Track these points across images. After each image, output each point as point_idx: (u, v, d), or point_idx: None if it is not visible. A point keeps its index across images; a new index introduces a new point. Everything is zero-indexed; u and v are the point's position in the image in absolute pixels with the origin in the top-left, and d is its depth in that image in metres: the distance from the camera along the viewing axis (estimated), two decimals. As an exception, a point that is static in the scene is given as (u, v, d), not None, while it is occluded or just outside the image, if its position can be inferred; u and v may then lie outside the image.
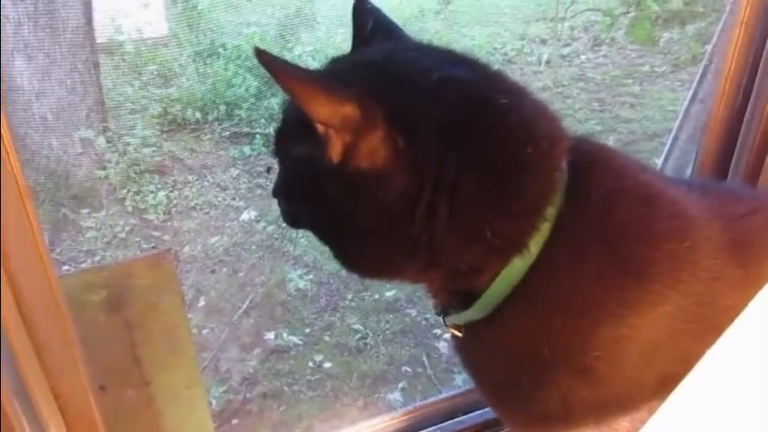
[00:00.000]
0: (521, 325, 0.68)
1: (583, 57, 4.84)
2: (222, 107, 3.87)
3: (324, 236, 0.72)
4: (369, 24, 0.74)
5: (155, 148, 3.51)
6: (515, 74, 4.72)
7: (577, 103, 4.29)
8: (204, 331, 2.70)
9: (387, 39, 0.75)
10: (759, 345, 0.39)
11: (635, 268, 0.65)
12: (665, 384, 0.44)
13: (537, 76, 4.62)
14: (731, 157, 0.84)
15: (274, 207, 3.58)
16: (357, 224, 0.67)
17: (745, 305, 0.40)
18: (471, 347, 0.76)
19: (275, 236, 3.17)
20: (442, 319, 0.76)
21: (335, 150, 0.64)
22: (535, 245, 0.65)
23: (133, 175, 3.35)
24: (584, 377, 0.66)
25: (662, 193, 0.69)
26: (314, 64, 4.47)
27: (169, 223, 3.32)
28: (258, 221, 3.33)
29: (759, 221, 0.69)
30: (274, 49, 4.31)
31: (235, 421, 2.30)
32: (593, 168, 0.69)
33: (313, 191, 0.68)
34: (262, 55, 0.60)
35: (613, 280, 0.65)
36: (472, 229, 0.64)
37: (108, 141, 3.31)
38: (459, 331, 0.75)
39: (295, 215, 0.75)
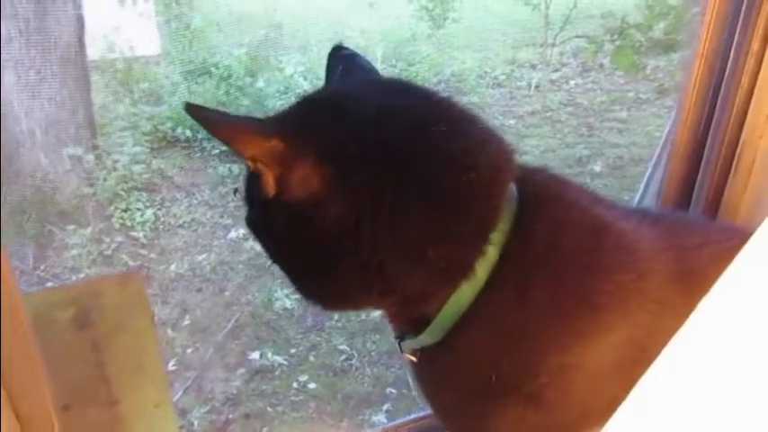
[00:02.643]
0: (470, 351, 0.69)
1: (572, 82, 4.90)
2: (213, 126, 3.88)
3: (283, 269, 0.73)
4: (339, 69, 0.77)
5: (144, 166, 3.51)
6: (505, 98, 4.78)
7: (566, 127, 4.34)
8: (188, 350, 2.68)
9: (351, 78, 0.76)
10: (713, 342, 0.40)
11: (582, 299, 0.66)
12: (615, 410, 0.45)
13: (526, 101, 4.67)
14: (694, 183, 0.86)
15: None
16: (307, 256, 0.68)
17: None
18: (426, 373, 0.76)
19: (263, 255, 3.15)
20: (398, 345, 0.77)
21: (269, 184, 0.66)
22: (482, 270, 0.65)
23: (121, 193, 3.34)
24: (532, 404, 0.67)
25: (611, 226, 0.70)
26: (305, 84, 4.51)
27: (156, 241, 3.31)
28: (246, 240, 3.32)
29: (708, 253, 0.70)
30: (266, 70, 4.35)
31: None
32: (542, 199, 0.70)
33: (265, 226, 0.71)
34: (190, 108, 0.61)
35: (560, 310, 0.66)
36: (416, 254, 0.65)
37: (97, 158, 3.31)
38: (416, 356, 0.75)
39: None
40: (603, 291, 0.66)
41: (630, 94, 4.60)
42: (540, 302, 0.66)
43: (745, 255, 0.41)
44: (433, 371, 0.74)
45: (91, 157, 3.25)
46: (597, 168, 3.83)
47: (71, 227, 3.17)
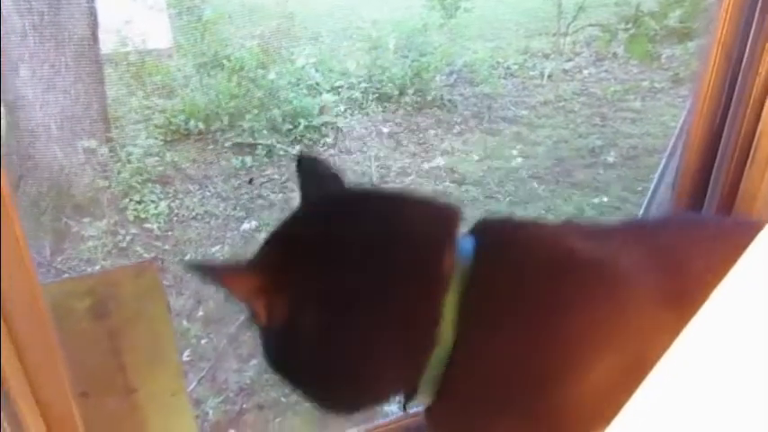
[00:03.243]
0: (454, 407, 0.73)
1: (585, 72, 4.86)
2: (225, 118, 3.90)
3: (299, 389, 0.80)
4: (308, 179, 0.84)
5: (157, 158, 3.53)
6: (517, 88, 4.75)
7: (579, 117, 4.30)
8: (203, 341, 2.70)
9: (320, 191, 0.83)
10: (716, 345, 0.40)
11: (558, 340, 0.67)
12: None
13: (539, 90, 4.64)
14: (710, 175, 0.85)
15: (275, 217, 3.61)
16: (314, 371, 0.76)
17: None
18: (432, 426, 0.80)
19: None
20: (403, 407, 0.81)
21: (261, 316, 0.75)
22: (446, 332, 0.68)
23: (135, 185, 3.37)
24: None
25: (582, 260, 0.71)
26: (317, 76, 4.52)
27: (170, 233, 3.34)
28: (259, 231, 3.34)
29: (701, 267, 0.68)
30: (278, 61, 4.35)
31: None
32: (501, 247, 0.73)
33: (271, 354, 0.78)
34: (189, 266, 0.72)
35: (536, 354, 0.68)
36: (384, 345, 0.71)
37: (111, 151, 3.34)
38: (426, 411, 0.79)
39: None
40: (579, 330, 0.67)
41: (645, 84, 4.55)
42: (512, 350, 0.68)
43: (748, 258, 0.41)
44: (436, 423, 0.78)
45: (105, 149, 3.28)
46: (610, 159, 3.80)
47: (86, 219, 3.20)
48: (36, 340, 0.62)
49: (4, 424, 0.61)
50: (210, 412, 2.37)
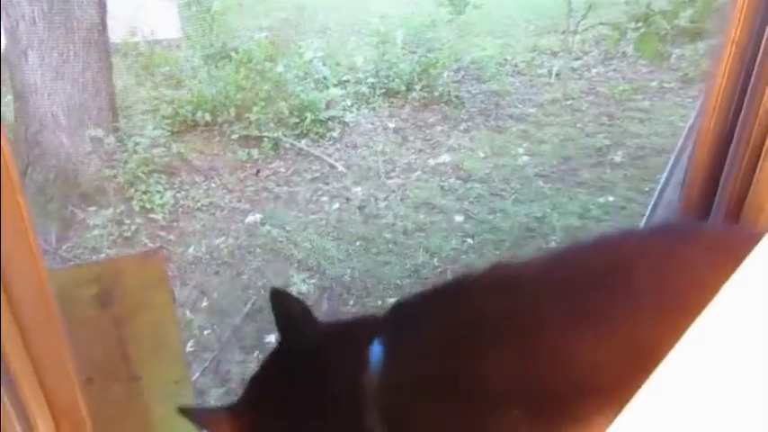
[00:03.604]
0: None
1: (593, 70, 4.83)
2: (232, 110, 3.91)
3: None
4: (281, 313, 0.93)
5: (164, 149, 3.54)
6: (525, 86, 4.74)
7: (587, 116, 4.28)
8: (206, 332, 2.71)
9: (290, 331, 0.94)
10: (716, 349, 0.40)
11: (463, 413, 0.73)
12: None
13: (547, 89, 4.62)
14: (719, 176, 0.84)
15: (279, 211, 3.61)
16: None
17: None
18: None
19: (280, 239, 3.18)
20: None
21: None
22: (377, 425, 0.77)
23: (141, 175, 3.37)
24: None
25: (482, 326, 0.75)
26: (324, 69, 4.52)
27: (175, 223, 3.34)
28: (263, 224, 3.35)
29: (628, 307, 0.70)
30: (286, 54, 4.35)
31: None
32: (401, 347, 0.80)
33: None
34: (183, 412, 0.82)
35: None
36: None
37: (118, 141, 3.34)
38: None
39: None
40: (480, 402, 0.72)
41: (654, 84, 4.52)
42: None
43: (750, 262, 0.40)
44: None
45: (112, 139, 3.29)
46: (617, 158, 3.78)
47: (92, 208, 3.21)
48: (42, 326, 0.62)
49: (10, 410, 0.61)
50: (213, 402, 2.38)
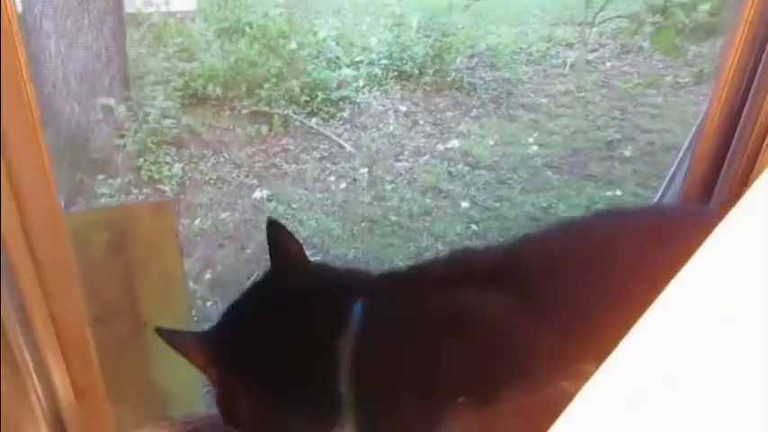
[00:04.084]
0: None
1: (608, 63, 4.80)
2: (243, 85, 3.90)
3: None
4: (275, 244, 0.91)
5: (174, 121, 3.54)
6: (539, 75, 4.71)
7: (599, 109, 4.26)
8: (208, 303, 2.73)
9: (283, 263, 0.91)
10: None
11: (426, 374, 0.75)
12: None
13: (560, 80, 4.59)
14: (724, 159, 0.84)
15: (287, 188, 3.61)
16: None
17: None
18: None
19: (285, 216, 3.19)
20: None
21: (213, 383, 0.87)
22: (344, 384, 0.78)
23: (151, 146, 3.38)
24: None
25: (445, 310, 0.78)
26: (338, 49, 4.50)
27: (182, 196, 3.36)
28: (270, 200, 3.36)
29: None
30: (299, 32, 4.33)
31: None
32: (377, 309, 0.82)
33: (219, 406, 0.90)
34: (160, 332, 0.82)
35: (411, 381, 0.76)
36: (303, 413, 0.84)
37: (128, 110, 3.35)
38: None
39: None
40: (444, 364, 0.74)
41: (668, 78, 4.49)
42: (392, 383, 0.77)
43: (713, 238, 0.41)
44: None
45: (123, 108, 3.29)
46: (627, 153, 3.77)
47: (101, 176, 3.23)
48: (55, 260, 0.64)
49: (20, 340, 0.63)
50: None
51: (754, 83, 0.81)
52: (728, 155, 0.89)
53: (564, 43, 5.05)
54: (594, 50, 4.95)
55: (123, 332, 0.82)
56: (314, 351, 0.81)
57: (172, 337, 0.84)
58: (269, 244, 0.91)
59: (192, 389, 0.95)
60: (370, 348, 0.79)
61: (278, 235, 0.91)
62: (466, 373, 0.73)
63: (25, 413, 0.71)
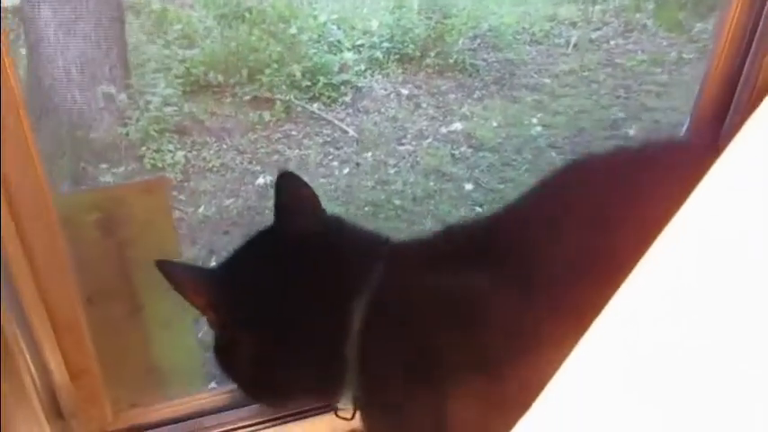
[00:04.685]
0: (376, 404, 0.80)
1: (612, 42, 4.74)
2: (244, 71, 3.88)
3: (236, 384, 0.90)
4: (284, 194, 0.87)
5: (175, 108, 3.53)
6: (542, 55, 4.65)
7: (603, 88, 4.21)
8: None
9: (290, 213, 0.87)
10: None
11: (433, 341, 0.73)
12: None
13: (563, 59, 4.54)
14: (725, 116, 0.83)
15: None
16: (248, 379, 0.86)
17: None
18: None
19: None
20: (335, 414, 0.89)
21: (213, 324, 0.84)
22: (351, 348, 0.76)
23: (153, 134, 3.38)
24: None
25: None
26: (339, 33, 4.46)
27: (186, 183, 3.36)
28: (273, 187, 3.35)
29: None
30: (300, 16, 4.30)
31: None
32: (393, 274, 0.79)
33: (217, 353, 0.87)
34: (160, 265, 0.77)
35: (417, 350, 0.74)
36: (309, 364, 0.80)
37: (130, 98, 3.34)
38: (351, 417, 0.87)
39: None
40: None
41: (673, 55, 4.43)
42: (397, 348, 0.75)
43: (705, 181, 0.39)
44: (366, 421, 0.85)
45: (124, 96, 3.29)
46: (632, 132, 3.73)
47: (104, 165, 3.23)
48: (45, 246, 0.64)
49: (12, 322, 0.63)
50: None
51: (756, 37, 0.79)
52: (730, 111, 0.88)
53: (567, 22, 4.98)
54: (598, 29, 4.88)
55: (118, 313, 0.82)
56: (327, 308, 0.78)
57: (172, 271, 0.79)
58: (277, 192, 0.86)
59: (190, 369, 0.95)
60: (384, 317, 0.76)
61: (289, 182, 0.86)
62: (472, 355, 0.71)
63: (20, 396, 0.71)
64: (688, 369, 0.35)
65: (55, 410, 0.76)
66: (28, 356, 0.70)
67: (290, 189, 0.86)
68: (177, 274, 0.79)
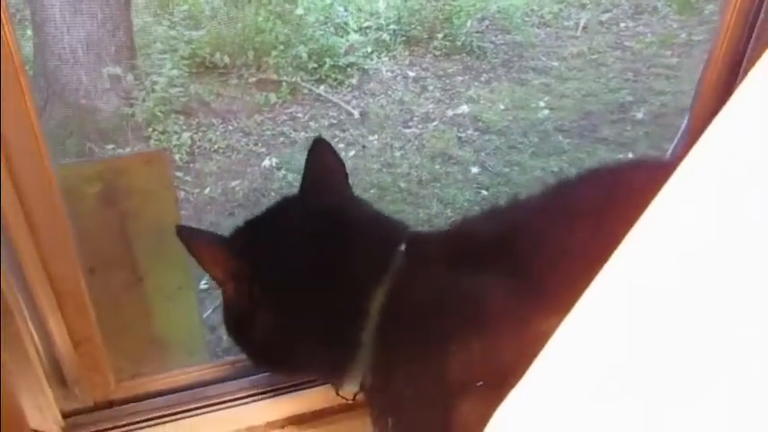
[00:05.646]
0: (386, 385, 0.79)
1: (622, 24, 4.68)
2: (250, 53, 3.87)
3: (245, 354, 0.89)
4: (314, 167, 0.86)
5: (181, 89, 3.53)
6: (550, 38, 4.61)
7: (611, 71, 4.18)
8: (219, 271, 2.76)
9: (319, 188, 0.86)
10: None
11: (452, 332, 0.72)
12: None
13: (572, 42, 4.50)
14: (729, 96, 0.82)
15: (296, 156, 3.60)
16: (261, 351, 0.86)
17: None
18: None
19: (295, 184, 3.19)
20: (336, 392, 0.90)
21: (227, 292, 0.83)
22: (367, 332, 0.75)
23: (159, 115, 3.38)
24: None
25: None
26: (345, 14, 4.43)
27: (191, 165, 3.37)
28: (279, 169, 3.36)
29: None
30: (306, -2, 4.28)
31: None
32: (415, 261, 0.78)
33: (230, 322, 0.87)
34: (179, 230, 0.76)
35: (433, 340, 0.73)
36: (324, 341, 0.80)
37: (136, 79, 3.34)
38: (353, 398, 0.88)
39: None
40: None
41: (683, 36, 4.38)
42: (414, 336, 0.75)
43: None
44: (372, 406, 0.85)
45: (130, 77, 3.29)
46: (639, 116, 3.70)
47: (110, 146, 3.24)
48: (47, 214, 0.64)
49: (15, 290, 0.64)
50: (224, 338, 2.43)
51: (760, 15, 0.78)
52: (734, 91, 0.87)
53: (577, 4, 4.93)
54: (608, 11, 4.82)
55: (119, 283, 0.82)
56: (347, 288, 0.77)
57: (190, 237, 0.77)
58: (308, 161, 0.85)
59: (192, 340, 0.96)
60: (404, 308, 0.76)
61: (323, 152, 0.85)
62: (487, 357, 0.71)
63: (23, 363, 0.72)
64: (667, 352, 0.36)
65: (58, 378, 0.78)
66: (31, 325, 0.71)
67: (322, 159, 0.85)
68: (196, 242, 0.78)
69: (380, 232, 0.83)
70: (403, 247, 0.79)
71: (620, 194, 0.78)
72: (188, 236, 0.77)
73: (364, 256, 0.79)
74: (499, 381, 0.67)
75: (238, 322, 0.84)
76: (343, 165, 0.88)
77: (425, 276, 0.78)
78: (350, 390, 0.85)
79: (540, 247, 0.75)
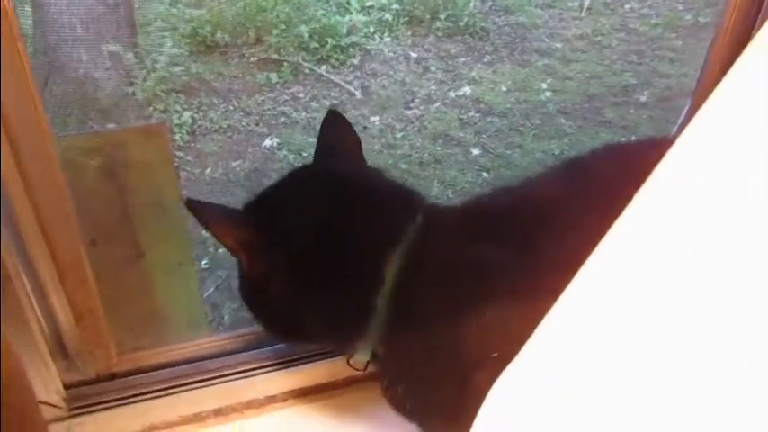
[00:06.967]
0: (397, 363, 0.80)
1: (627, 6, 4.64)
2: (252, 32, 3.84)
3: (261, 324, 0.92)
4: (328, 138, 0.87)
5: (183, 68, 3.51)
6: (554, 19, 4.57)
7: (615, 53, 4.14)
8: (220, 250, 2.76)
9: (331, 158, 0.87)
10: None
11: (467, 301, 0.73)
12: None
13: (576, 23, 4.46)
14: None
15: (297, 136, 3.59)
16: (277, 321, 0.87)
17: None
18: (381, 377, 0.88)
19: (296, 164, 3.18)
20: (347, 362, 0.90)
21: (243, 264, 0.84)
22: (382, 299, 0.75)
23: (160, 94, 3.37)
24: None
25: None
26: (348, 5, 4.39)
27: (192, 144, 3.36)
28: (280, 149, 3.35)
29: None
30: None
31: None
32: (433, 229, 0.78)
33: (246, 293, 0.88)
34: (189, 203, 0.77)
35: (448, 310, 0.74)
36: (339, 308, 0.80)
37: (136, 58, 3.32)
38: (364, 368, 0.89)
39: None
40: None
41: (688, 18, 4.34)
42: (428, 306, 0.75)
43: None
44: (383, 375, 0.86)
45: (131, 55, 3.26)
46: (643, 98, 3.68)
47: (111, 125, 3.22)
48: (47, 185, 0.65)
49: (16, 263, 0.64)
50: (226, 316, 2.46)
51: (760, 14, 0.77)
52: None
53: (582, -15, 4.88)
54: (614, -8, 4.78)
55: (121, 256, 0.83)
56: (362, 254, 0.77)
57: (201, 209, 0.77)
58: (321, 132, 0.86)
59: (194, 314, 0.97)
60: (420, 275, 0.76)
61: (336, 123, 0.85)
62: (502, 328, 0.70)
63: (26, 335, 0.73)
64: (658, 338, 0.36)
65: (60, 350, 0.78)
66: (32, 297, 0.72)
67: (335, 130, 0.86)
68: (207, 214, 0.78)
69: (397, 200, 0.82)
70: (420, 216, 0.79)
71: (634, 170, 0.78)
72: (199, 208, 0.77)
73: (380, 222, 0.79)
74: (514, 352, 0.68)
75: (253, 291, 0.85)
76: (357, 136, 0.88)
77: (442, 244, 0.78)
78: (361, 359, 0.85)
79: (555, 222, 0.75)
